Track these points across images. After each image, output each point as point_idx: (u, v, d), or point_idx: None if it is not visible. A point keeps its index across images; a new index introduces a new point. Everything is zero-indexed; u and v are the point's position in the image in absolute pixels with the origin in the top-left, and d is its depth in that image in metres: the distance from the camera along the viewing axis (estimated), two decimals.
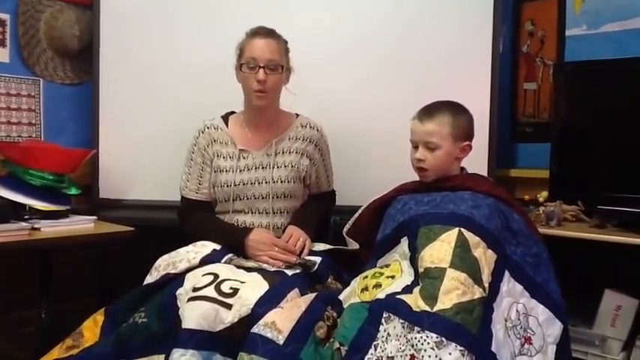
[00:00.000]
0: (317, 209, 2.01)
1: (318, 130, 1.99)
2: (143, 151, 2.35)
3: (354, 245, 1.85)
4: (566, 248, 1.82)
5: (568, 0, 2.44)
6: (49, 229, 1.92)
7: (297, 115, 2.00)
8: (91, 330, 1.60)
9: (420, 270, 1.48)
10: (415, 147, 1.75)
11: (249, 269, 1.67)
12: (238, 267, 1.68)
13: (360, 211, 1.89)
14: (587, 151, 2.11)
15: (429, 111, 1.73)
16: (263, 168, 1.91)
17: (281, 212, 1.92)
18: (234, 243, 1.79)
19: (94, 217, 2.08)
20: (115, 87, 2.35)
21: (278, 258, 1.74)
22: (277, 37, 1.88)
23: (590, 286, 1.92)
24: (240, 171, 1.90)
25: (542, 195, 2.16)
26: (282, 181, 1.90)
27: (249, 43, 1.86)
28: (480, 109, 2.17)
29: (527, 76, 2.62)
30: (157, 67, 2.33)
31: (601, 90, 2.11)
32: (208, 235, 1.82)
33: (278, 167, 1.91)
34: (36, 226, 1.90)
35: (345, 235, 1.88)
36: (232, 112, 2.01)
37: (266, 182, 1.89)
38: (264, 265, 1.72)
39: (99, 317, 1.64)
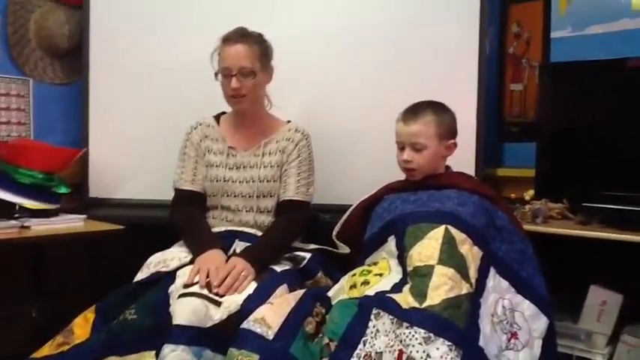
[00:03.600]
0: (278, 238, 1.85)
1: (303, 134, 1.96)
2: (133, 150, 2.35)
3: (344, 249, 1.85)
4: (552, 245, 1.85)
5: (553, 2, 2.47)
6: (39, 227, 1.93)
7: (289, 121, 2.00)
8: (81, 327, 1.60)
9: (409, 269, 1.50)
10: (401, 148, 1.76)
11: None
12: None
13: (349, 211, 1.90)
14: (572, 150, 2.13)
15: (412, 112, 1.75)
16: (250, 167, 1.91)
17: (268, 211, 1.91)
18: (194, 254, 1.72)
19: (84, 216, 2.09)
20: (104, 86, 2.35)
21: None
22: (248, 41, 1.84)
23: (576, 282, 1.94)
24: (230, 168, 1.91)
25: (529, 193, 2.19)
26: (267, 181, 1.90)
27: (222, 51, 1.86)
28: (467, 109, 2.19)
29: (514, 77, 2.65)
30: (146, 67, 2.33)
31: (586, 90, 2.13)
32: (185, 239, 1.82)
33: (264, 167, 1.91)
34: (26, 224, 1.90)
35: (335, 240, 1.88)
36: (224, 113, 2.02)
37: (253, 181, 1.90)
38: None
39: (89, 314, 1.63)
